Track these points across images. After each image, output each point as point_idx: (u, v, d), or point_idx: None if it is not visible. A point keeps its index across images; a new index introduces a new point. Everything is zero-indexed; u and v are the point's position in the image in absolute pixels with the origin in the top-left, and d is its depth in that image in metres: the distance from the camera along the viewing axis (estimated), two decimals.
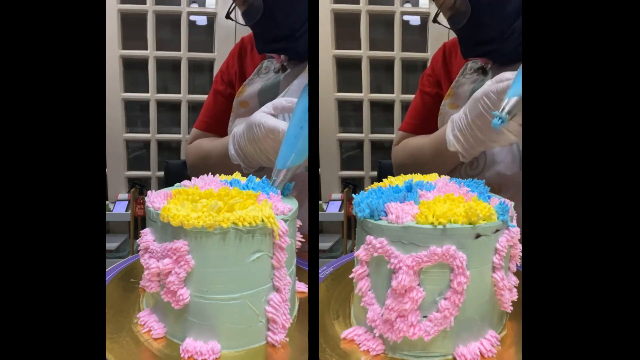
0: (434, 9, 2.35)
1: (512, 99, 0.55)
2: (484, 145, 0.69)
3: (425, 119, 0.93)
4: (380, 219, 0.47)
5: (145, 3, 2.03)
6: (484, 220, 0.46)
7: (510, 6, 0.73)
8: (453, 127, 0.71)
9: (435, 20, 0.80)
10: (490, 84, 0.65)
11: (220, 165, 0.77)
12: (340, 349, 0.48)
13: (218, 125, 0.91)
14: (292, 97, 0.77)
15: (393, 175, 0.61)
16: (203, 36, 2.08)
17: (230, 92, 0.91)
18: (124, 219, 1.79)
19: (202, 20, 2.13)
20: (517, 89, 0.55)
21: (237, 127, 0.73)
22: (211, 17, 2.11)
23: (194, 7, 2.10)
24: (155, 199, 0.51)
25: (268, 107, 0.69)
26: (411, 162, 0.89)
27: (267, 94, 0.80)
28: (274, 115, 0.68)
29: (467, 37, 0.80)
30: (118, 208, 2.03)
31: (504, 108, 0.55)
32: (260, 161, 0.70)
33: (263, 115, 0.67)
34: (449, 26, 0.80)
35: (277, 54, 0.82)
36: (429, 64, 2.36)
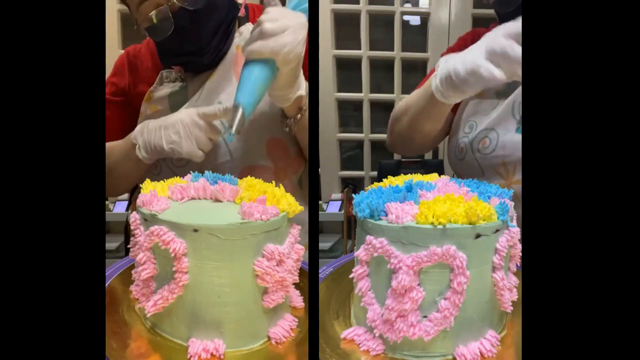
0: (433, 9, 2.34)
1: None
2: (476, 91, 0.66)
3: None
4: (380, 219, 0.47)
5: None
6: (484, 220, 0.46)
7: None
8: (449, 72, 0.65)
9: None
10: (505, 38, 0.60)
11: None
12: (340, 349, 0.48)
13: None
14: (206, 100, 0.78)
15: (394, 174, 0.61)
16: None
17: None
18: (123, 219, 1.79)
19: None
20: None
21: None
22: None
23: None
24: (148, 200, 0.51)
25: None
26: (405, 122, 0.82)
27: (177, 98, 0.81)
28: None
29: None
30: (118, 208, 2.03)
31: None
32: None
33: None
34: (495, 8, 0.77)
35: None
36: (429, 64, 2.36)
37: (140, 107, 0.84)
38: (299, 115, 0.72)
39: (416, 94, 0.78)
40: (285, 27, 0.61)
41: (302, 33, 0.63)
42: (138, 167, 0.76)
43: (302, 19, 0.64)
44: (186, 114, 0.70)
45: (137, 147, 0.73)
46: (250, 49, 0.61)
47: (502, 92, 0.78)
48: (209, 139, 0.71)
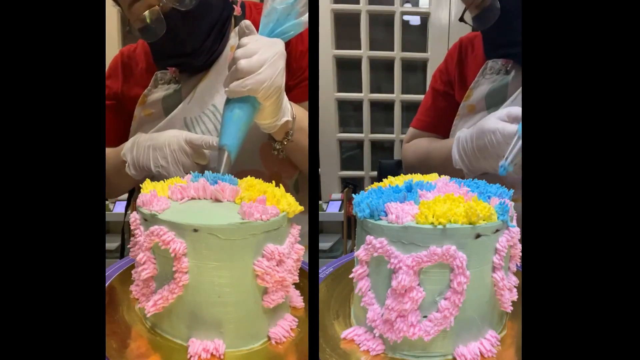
0: (433, 9, 2.34)
1: (515, 148, 0.60)
2: (486, 169, 0.72)
3: (436, 116, 0.94)
4: (380, 219, 0.47)
5: None
6: (484, 220, 0.46)
7: None
8: (459, 147, 0.73)
9: (461, 19, 0.80)
10: (498, 120, 0.66)
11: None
12: (340, 349, 0.48)
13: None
14: (199, 102, 0.78)
15: (394, 174, 0.61)
16: None
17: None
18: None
19: None
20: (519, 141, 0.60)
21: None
22: None
23: None
24: (148, 200, 0.51)
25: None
26: (420, 165, 0.90)
27: (171, 101, 0.81)
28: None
29: (494, 39, 0.80)
30: (118, 208, 2.03)
31: (507, 157, 0.60)
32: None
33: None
34: (474, 25, 0.80)
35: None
36: (429, 63, 2.36)
37: (134, 110, 0.83)
38: (286, 141, 0.71)
39: (438, 152, 0.85)
40: (262, 62, 0.60)
41: (280, 63, 0.62)
42: (129, 179, 0.76)
43: (279, 47, 0.63)
44: (174, 137, 0.70)
45: (126, 164, 0.73)
46: (229, 90, 0.60)
47: (492, 104, 0.82)
48: (196, 163, 0.71)
